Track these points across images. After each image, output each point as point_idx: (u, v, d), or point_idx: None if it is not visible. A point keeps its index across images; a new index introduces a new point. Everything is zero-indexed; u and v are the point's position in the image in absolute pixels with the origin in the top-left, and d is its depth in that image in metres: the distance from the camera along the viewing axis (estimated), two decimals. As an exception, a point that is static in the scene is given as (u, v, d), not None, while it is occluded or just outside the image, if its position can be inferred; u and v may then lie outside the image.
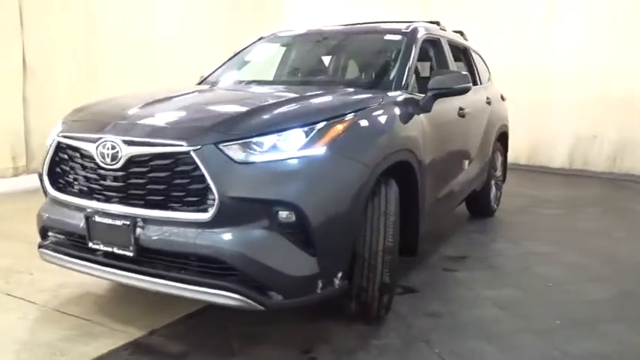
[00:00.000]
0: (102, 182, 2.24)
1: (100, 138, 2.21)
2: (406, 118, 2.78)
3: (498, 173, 4.93)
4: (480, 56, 4.80)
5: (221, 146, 2.05)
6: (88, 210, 2.27)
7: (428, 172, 2.92)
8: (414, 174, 2.74)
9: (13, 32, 5.45)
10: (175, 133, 2.14)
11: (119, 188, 2.20)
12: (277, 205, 2.06)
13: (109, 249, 2.23)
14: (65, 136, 2.38)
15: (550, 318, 2.72)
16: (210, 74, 3.74)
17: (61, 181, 2.43)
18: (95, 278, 2.50)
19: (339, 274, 2.24)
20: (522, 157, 7.81)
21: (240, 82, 3.62)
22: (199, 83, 3.68)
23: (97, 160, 2.21)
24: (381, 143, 2.47)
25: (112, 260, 2.25)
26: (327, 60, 3.89)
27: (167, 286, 2.14)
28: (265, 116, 2.25)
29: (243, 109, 2.37)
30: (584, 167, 7.47)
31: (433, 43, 3.68)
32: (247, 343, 2.39)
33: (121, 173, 2.17)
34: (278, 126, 2.17)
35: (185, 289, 2.11)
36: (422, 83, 3.23)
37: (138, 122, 2.29)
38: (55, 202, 2.45)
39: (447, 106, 3.32)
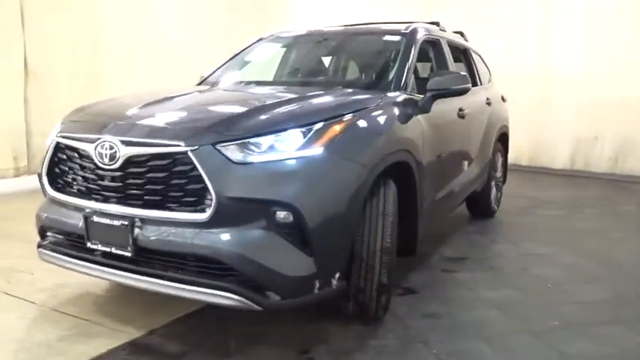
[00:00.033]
0: (100, 182, 2.25)
1: (99, 138, 2.22)
2: (405, 118, 2.78)
3: (499, 174, 4.93)
4: (481, 57, 4.80)
5: (219, 146, 2.06)
6: (87, 210, 2.28)
7: (427, 172, 2.92)
8: (413, 174, 2.74)
9: (14, 34, 5.47)
10: (173, 133, 2.14)
11: (117, 188, 2.20)
12: (275, 206, 2.06)
13: (107, 249, 2.24)
14: (64, 137, 2.39)
15: (548, 319, 2.72)
16: (210, 75, 3.75)
17: (59, 181, 2.43)
18: (94, 278, 2.51)
19: (337, 275, 2.24)
20: (524, 158, 7.81)
21: (240, 82, 3.63)
22: (199, 84, 3.69)
23: (96, 161, 2.22)
24: (379, 144, 2.47)
25: (110, 260, 2.26)
26: (326, 61, 3.90)
27: (165, 286, 2.15)
28: (263, 117, 2.25)
29: (241, 109, 2.38)
30: (585, 168, 7.46)
31: (433, 43, 3.68)
32: (245, 343, 2.39)
33: (119, 173, 2.18)
34: (276, 126, 2.17)
35: (183, 289, 2.11)
36: (421, 84, 3.23)
37: (136, 123, 2.30)
38: (54, 202, 2.46)
39: (446, 106, 3.32)
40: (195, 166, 2.03)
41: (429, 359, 2.28)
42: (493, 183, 4.76)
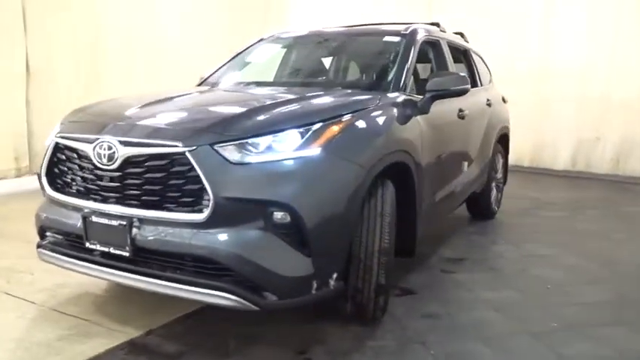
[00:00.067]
0: (99, 183, 2.25)
1: (97, 139, 2.22)
2: (403, 119, 2.78)
3: (499, 175, 4.92)
4: (481, 58, 4.80)
5: (216, 147, 2.06)
6: (85, 210, 2.29)
7: (425, 173, 2.92)
8: (411, 175, 2.74)
9: (16, 35, 5.50)
10: (171, 133, 2.15)
11: (116, 189, 2.21)
12: (272, 206, 2.06)
13: (106, 249, 2.24)
14: (63, 137, 2.40)
15: (547, 320, 2.71)
16: (210, 75, 3.75)
17: (59, 181, 2.44)
18: (94, 278, 2.52)
19: (335, 275, 2.24)
20: (525, 159, 7.79)
21: (240, 83, 3.64)
22: (199, 84, 3.70)
23: (94, 161, 2.23)
24: (378, 144, 2.48)
25: (109, 260, 2.26)
26: (326, 61, 3.90)
27: (162, 286, 2.15)
28: (261, 117, 2.25)
29: (239, 110, 2.39)
30: (587, 169, 7.43)
31: (432, 44, 3.68)
32: (244, 344, 2.39)
33: (117, 174, 2.19)
34: (274, 127, 2.18)
35: (180, 289, 2.12)
36: (421, 85, 3.23)
37: (135, 123, 2.30)
38: (53, 202, 2.47)
39: (445, 107, 3.32)
40: (192, 167, 2.04)
41: (427, 360, 2.29)
42: (493, 184, 4.76)
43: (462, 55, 4.39)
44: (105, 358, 2.25)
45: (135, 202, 2.17)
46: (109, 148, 2.18)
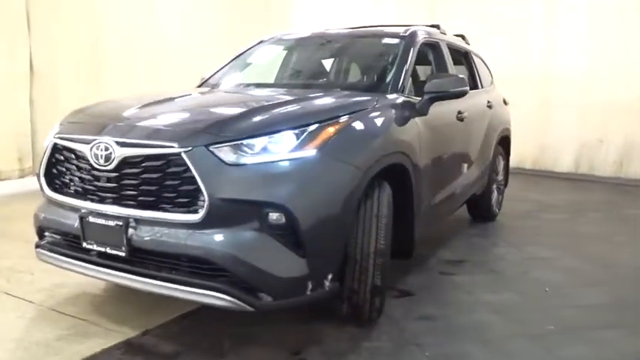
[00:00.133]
0: (96, 183, 2.27)
1: (94, 139, 2.24)
2: (401, 121, 2.78)
3: (500, 177, 4.90)
4: (482, 60, 4.79)
5: (212, 148, 2.07)
6: (83, 210, 2.30)
7: (424, 175, 2.92)
8: (409, 177, 2.74)
9: (20, 37, 5.55)
10: (168, 134, 2.16)
11: (112, 189, 2.22)
12: (267, 207, 2.07)
13: (102, 249, 2.26)
14: (61, 138, 2.42)
15: (546, 323, 2.70)
16: (211, 77, 3.77)
17: (57, 181, 2.46)
18: (92, 278, 2.52)
19: (330, 276, 2.25)
20: (528, 162, 7.76)
21: (240, 84, 3.65)
22: (199, 85, 3.72)
23: (91, 162, 2.24)
24: (374, 146, 2.48)
25: (106, 260, 2.28)
26: (326, 63, 3.91)
27: (158, 287, 2.16)
28: (257, 118, 2.26)
29: (236, 111, 2.40)
30: (590, 172, 7.40)
31: (432, 46, 3.68)
32: (239, 344, 2.40)
33: (114, 174, 2.20)
34: (269, 128, 2.18)
35: (176, 289, 2.13)
36: (420, 86, 3.23)
37: (132, 124, 2.32)
38: (52, 202, 2.49)
39: (444, 109, 3.31)
40: (188, 168, 2.05)
41: (422, 362, 2.28)
42: (494, 186, 4.74)
43: (463, 57, 4.39)
44: (102, 357, 2.26)
45: (131, 203, 2.18)
46: (106, 148, 2.19)
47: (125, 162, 2.17)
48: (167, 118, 2.44)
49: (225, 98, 3.09)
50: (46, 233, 2.57)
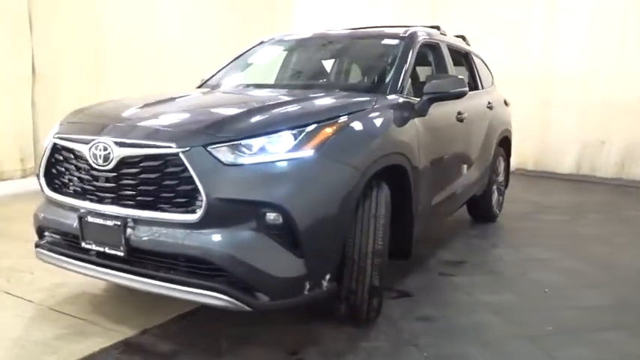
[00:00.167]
0: (95, 183, 2.28)
1: (93, 139, 2.25)
2: (400, 121, 2.79)
3: (500, 178, 4.89)
4: (483, 61, 4.79)
5: (209, 148, 2.08)
6: (81, 210, 2.31)
7: (422, 175, 2.92)
8: (408, 177, 2.74)
9: (23, 38, 5.58)
10: (166, 135, 2.17)
11: (111, 189, 2.23)
12: (264, 207, 2.08)
13: (101, 249, 2.27)
14: (60, 138, 2.43)
15: (545, 324, 2.69)
16: (211, 77, 3.78)
17: (56, 181, 2.47)
18: (92, 278, 2.52)
19: (327, 276, 2.25)
20: (529, 163, 7.75)
21: (240, 85, 3.66)
22: (199, 86, 3.73)
23: (90, 162, 2.25)
24: (372, 146, 2.48)
25: (104, 260, 2.29)
26: (326, 64, 3.92)
27: (156, 286, 2.17)
28: (254, 119, 2.27)
29: (234, 111, 2.40)
30: (591, 173, 7.38)
31: (432, 47, 3.68)
32: (236, 344, 2.40)
33: (112, 174, 2.21)
34: (267, 128, 2.19)
35: (174, 289, 2.14)
36: (419, 87, 3.23)
37: (131, 124, 2.33)
38: (51, 202, 2.50)
39: (444, 110, 3.31)
40: (186, 168, 2.05)
41: (420, 362, 2.28)
42: (495, 187, 4.74)
43: (463, 57, 4.38)
44: (100, 357, 2.27)
45: (130, 203, 2.19)
46: (105, 148, 2.20)
47: (123, 162, 2.18)
48: (166, 118, 2.44)
49: (224, 99, 3.10)
50: (46, 233, 2.59)
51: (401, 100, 2.93)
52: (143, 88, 5.68)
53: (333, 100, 2.71)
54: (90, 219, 2.27)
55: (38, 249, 2.57)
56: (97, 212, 2.26)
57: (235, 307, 2.07)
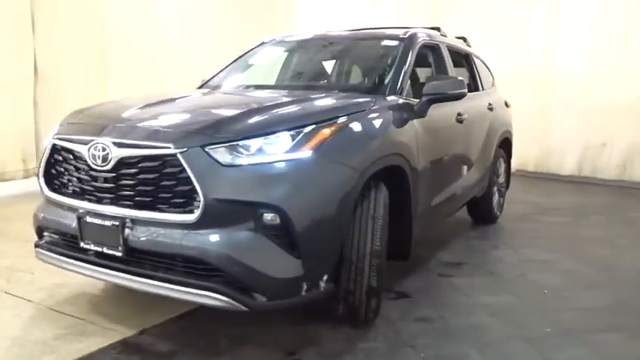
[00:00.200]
0: (93, 183, 2.29)
1: (92, 140, 2.26)
2: (399, 122, 2.79)
3: (501, 180, 4.89)
4: (484, 62, 4.79)
5: (207, 149, 2.08)
6: (80, 210, 2.32)
7: (422, 176, 2.92)
8: (406, 178, 2.74)
9: (25, 39, 5.60)
10: (164, 135, 2.18)
11: (109, 189, 2.24)
12: (262, 208, 2.08)
13: (99, 249, 2.27)
14: (60, 138, 2.44)
15: (544, 325, 2.69)
16: (211, 78, 3.79)
17: (56, 182, 2.48)
18: (92, 278, 2.54)
19: (325, 277, 2.25)
20: (530, 164, 7.73)
21: (240, 86, 3.67)
22: (200, 87, 3.74)
23: (89, 162, 2.26)
24: (370, 147, 2.48)
25: (102, 260, 2.30)
26: (326, 65, 3.92)
27: (154, 286, 2.18)
28: (253, 119, 2.28)
29: (232, 112, 2.41)
30: (593, 175, 7.36)
31: (432, 48, 3.68)
32: (234, 344, 2.41)
33: (111, 175, 2.22)
34: (265, 129, 2.20)
35: (171, 289, 2.14)
36: (419, 88, 3.22)
37: (130, 125, 2.34)
38: (50, 202, 2.51)
39: (443, 111, 3.32)
40: (183, 168, 2.06)
41: (417, 363, 2.28)
42: (495, 189, 4.73)
43: (464, 59, 4.38)
44: (98, 356, 2.28)
45: (128, 203, 2.20)
46: (103, 149, 2.21)
47: (122, 162, 2.19)
48: (165, 119, 2.45)
49: (224, 99, 3.11)
50: (45, 233, 2.60)
51: (400, 101, 2.93)
52: (147, 89, 5.68)
53: (332, 101, 2.72)
54: (88, 219, 2.28)
55: (38, 249, 2.58)
56: (96, 212, 2.27)
57: (232, 308, 2.07)
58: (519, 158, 7.04)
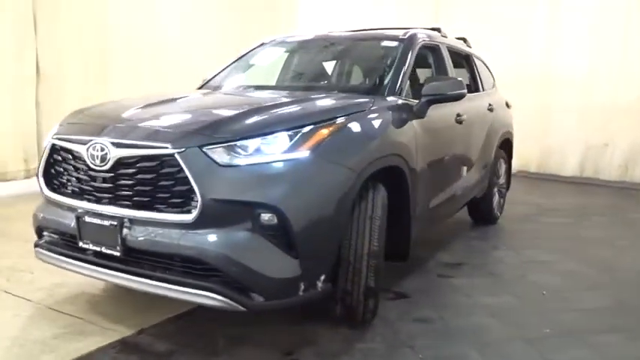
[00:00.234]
0: (92, 183, 2.29)
1: (90, 140, 2.27)
2: (398, 123, 2.79)
3: (501, 181, 4.88)
4: (484, 63, 4.78)
5: (205, 149, 2.09)
6: (79, 210, 2.33)
7: (420, 177, 2.92)
8: (405, 179, 2.74)
9: (27, 39, 5.61)
10: (162, 136, 2.18)
11: (108, 189, 2.25)
12: (259, 208, 2.08)
13: (98, 249, 2.28)
14: (59, 138, 2.45)
15: (543, 326, 2.68)
16: (212, 78, 3.80)
17: (55, 181, 2.49)
18: (91, 278, 2.55)
19: (322, 277, 2.26)
20: (532, 165, 7.73)
21: (240, 86, 3.67)
22: (200, 87, 3.74)
23: (88, 162, 2.27)
24: (369, 148, 2.48)
25: (101, 260, 2.30)
26: (327, 65, 3.92)
27: (152, 286, 2.18)
28: (251, 120, 2.28)
29: (231, 112, 2.41)
30: (594, 176, 7.34)
31: (432, 49, 3.67)
32: (232, 344, 2.41)
33: (109, 175, 2.23)
34: (263, 129, 2.20)
35: (169, 289, 2.15)
36: (418, 89, 3.22)
37: (129, 125, 2.34)
38: (50, 202, 2.52)
39: (443, 112, 3.31)
40: (181, 168, 2.06)
41: (415, 364, 2.28)
42: (495, 189, 4.72)
43: (464, 60, 4.38)
44: (97, 355, 2.28)
45: (126, 203, 2.20)
46: (102, 149, 2.22)
47: (120, 162, 2.20)
48: (163, 119, 2.46)
49: (224, 100, 3.11)
50: (45, 233, 2.61)
51: (399, 101, 2.93)
52: (148, 89, 5.69)
53: (330, 102, 2.72)
54: (87, 219, 2.29)
55: (37, 249, 2.59)
56: (95, 212, 2.28)
57: (230, 308, 2.08)
58: (521, 159, 7.03)
